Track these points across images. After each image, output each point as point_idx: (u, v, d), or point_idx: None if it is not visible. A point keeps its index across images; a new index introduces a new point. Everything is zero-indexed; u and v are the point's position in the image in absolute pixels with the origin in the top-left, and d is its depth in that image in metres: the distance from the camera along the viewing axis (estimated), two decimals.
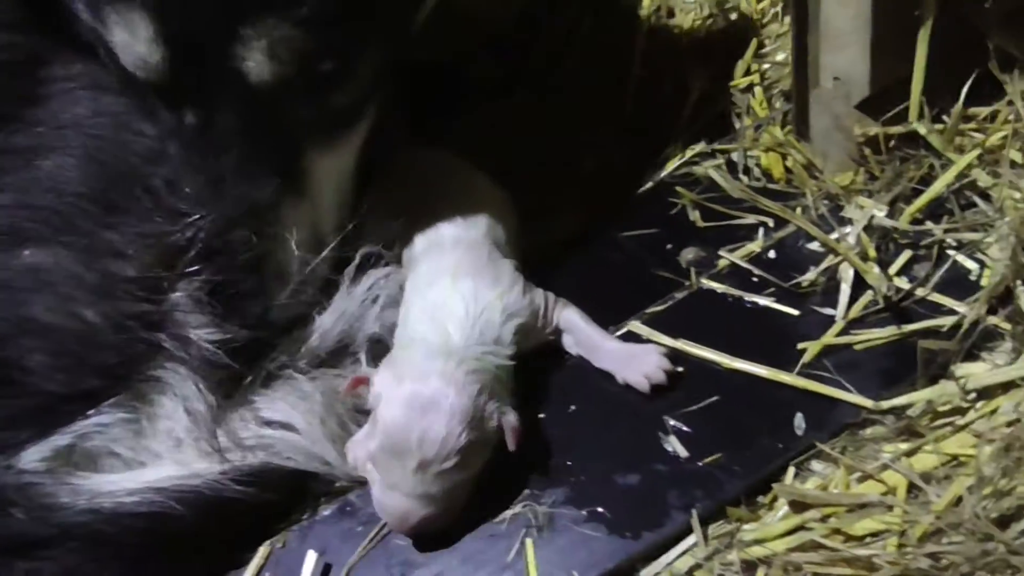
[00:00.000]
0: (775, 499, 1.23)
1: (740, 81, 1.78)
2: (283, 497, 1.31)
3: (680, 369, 1.35)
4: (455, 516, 1.23)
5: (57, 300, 1.24)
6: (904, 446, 1.22)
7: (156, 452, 1.26)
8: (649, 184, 1.70)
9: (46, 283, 1.24)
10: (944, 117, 1.43)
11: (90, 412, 1.24)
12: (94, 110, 1.31)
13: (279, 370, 1.35)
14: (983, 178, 1.37)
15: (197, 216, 1.26)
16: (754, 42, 1.81)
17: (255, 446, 1.30)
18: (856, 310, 1.36)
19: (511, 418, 1.23)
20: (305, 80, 1.22)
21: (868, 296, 1.37)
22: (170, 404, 1.27)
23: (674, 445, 1.29)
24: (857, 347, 1.32)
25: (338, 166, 1.35)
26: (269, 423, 1.33)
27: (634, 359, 1.34)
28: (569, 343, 1.39)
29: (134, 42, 1.20)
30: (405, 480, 1.19)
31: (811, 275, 1.42)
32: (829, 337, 1.34)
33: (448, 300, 1.30)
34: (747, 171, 1.65)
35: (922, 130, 1.40)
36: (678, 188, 1.62)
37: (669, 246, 1.55)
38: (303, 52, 1.20)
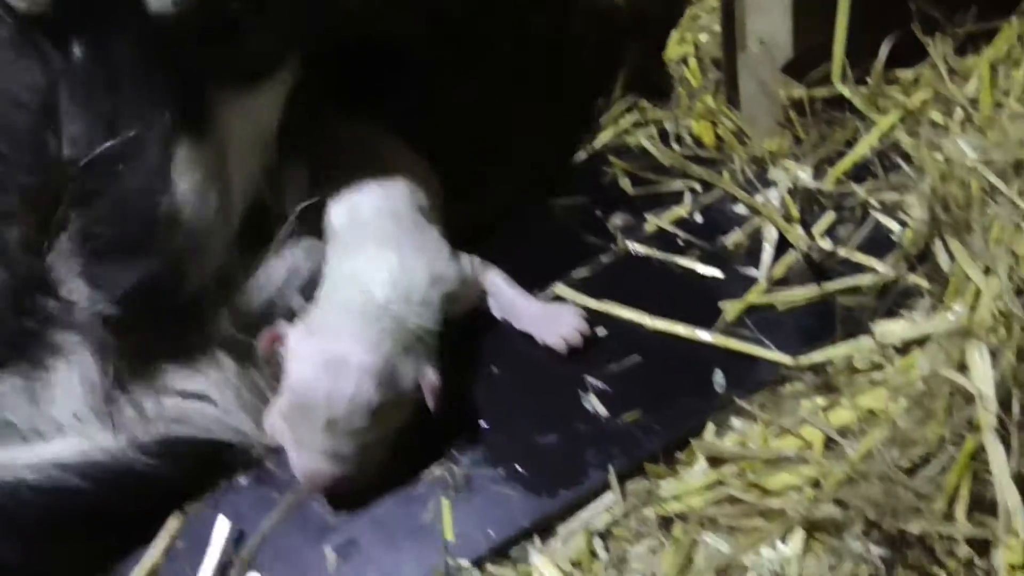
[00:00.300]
0: (693, 455, 1.21)
1: (674, 51, 1.77)
2: (197, 468, 1.27)
3: (601, 331, 1.34)
4: (369, 477, 1.21)
5: None
6: (822, 402, 1.21)
7: (57, 423, 1.21)
8: (582, 155, 1.69)
9: None
10: (868, 79, 1.43)
11: None
12: None
13: (194, 340, 1.31)
14: (905, 139, 1.37)
15: (82, 161, 1.19)
16: (688, 12, 1.81)
17: (167, 417, 1.26)
18: (779, 270, 1.35)
19: (432, 378, 1.22)
20: (211, 15, 1.18)
21: (791, 257, 1.36)
22: (65, 372, 1.22)
23: (594, 404, 1.27)
24: (779, 306, 1.32)
25: (250, 116, 1.30)
26: (182, 394, 1.29)
27: (553, 321, 1.33)
28: (494, 306, 1.38)
29: None
30: (314, 438, 1.17)
31: (735, 237, 1.41)
32: (751, 296, 1.33)
33: (372, 266, 1.28)
34: (679, 140, 1.65)
35: (845, 91, 1.40)
36: (611, 158, 1.61)
37: (599, 213, 1.54)
38: None
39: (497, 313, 1.38)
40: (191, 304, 1.28)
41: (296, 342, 1.22)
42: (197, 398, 1.29)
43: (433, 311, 1.28)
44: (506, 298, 1.37)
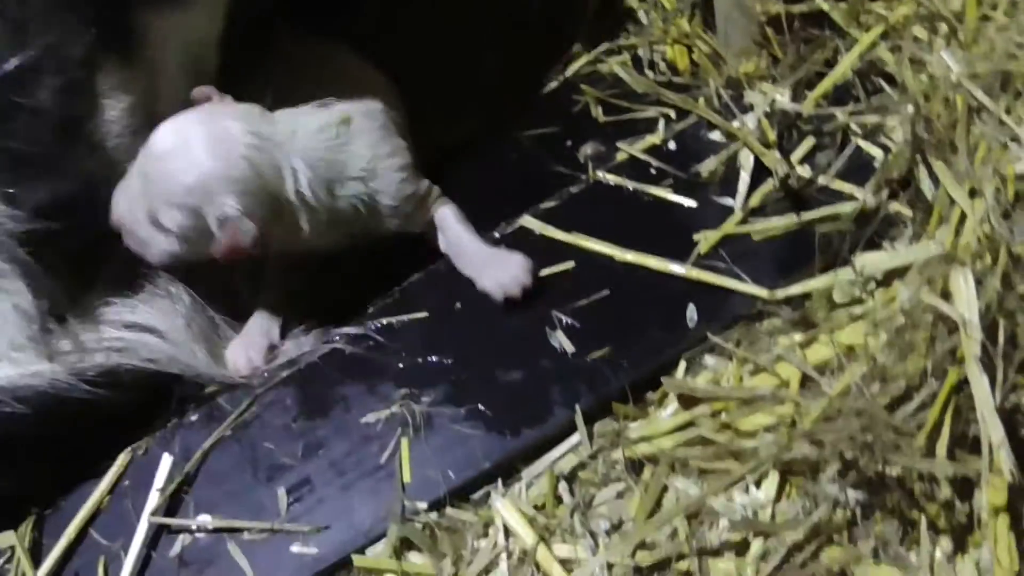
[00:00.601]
0: (664, 395, 1.16)
1: None
2: (143, 400, 1.23)
3: (569, 264, 1.27)
4: None
5: None
6: (799, 337, 1.16)
7: None
8: (553, 84, 1.61)
9: None
10: None
11: None
12: None
13: (142, 272, 1.26)
14: (888, 57, 1.29)
15: None
16: None
17: (110, 348, 1.22)
18: (755, 199, 1.28)
19: (232, 220, 1.13)
20: None
21: (769, 185, 1.29)
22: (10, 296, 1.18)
23: (560, 340, 1.21)
24: (755, 237, 1.25)
25: (183, 35, 1.23)
26: (128, 325, 1.25)
27: (496, 267, 1.25)
28: (441, 242, 1.31)
29: None
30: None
31: (710, 164, 1.34)
32: (727, 227, 1.26)
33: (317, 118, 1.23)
34: (653, 66, 1.58)
35: (824, 6, 1.33)
36: (583, 86, 1.53)
37: (569, 143, 1.47)
38: None
39: (443, 249, 1.31)
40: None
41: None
42: (143, 329, 1.25)
43: (346, 200, 1.22)
44: (452, 234, 1.30)
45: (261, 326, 1.29)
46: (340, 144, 1.24)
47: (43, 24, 1.12)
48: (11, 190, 1.14)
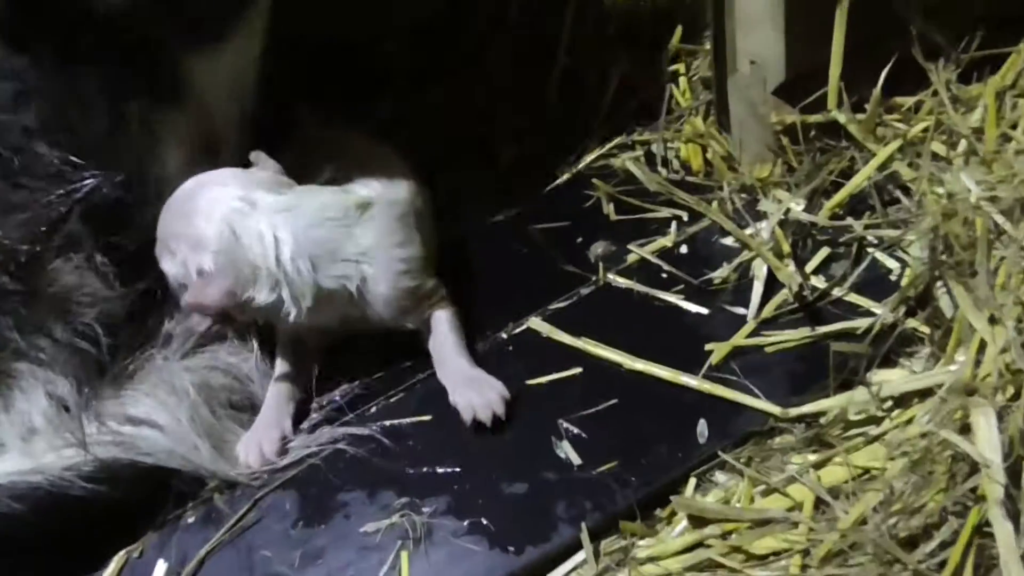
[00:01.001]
0: (673, 513, 1.13)
1: (665, 70, 1.68)
2: (141, 497, 1.20)
3: (576, 370, 1.25)
4: None
5: None
6: (813, 457, 1.12)
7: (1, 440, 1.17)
8: (565, 176, 1.60)
9: None
10: (865, 106, 1.34)
11: None
12: None
13: (149, 359, 1.26)
14: (905, 172, 1.28)
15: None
16: (679, 29, 1.72)
17: (111, 442, 1.20)
18: (768, 310, 1.26)
19: (203, 278, 1.17)
20: None
21: (782, 295, 1.27)
22: (30, 386, 1.18)
23: (567, 451, 1.19)
24: (767, 349, 1.23)
25: (224, 70, 1.27)
26: (130, 419, 1.23)
27: (472, 387, 1.22)
28: (430, 344, 1.29)
29: None
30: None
31: (723, 272, 1.32)
32: (738, 338, 1.24)
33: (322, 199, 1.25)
34: (666, 163, 1.56)
35: (841, 118, 1.31)
36: (594, 180, 1.52)
37: (579, 240, 1.46)
38: None
39: (430, 350, 1.29)
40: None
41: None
42: (145, 424, 1.23)
43: (334, 280, 1.21)
44: (438, 341, 1.27)
45: (273, 417, 1.26)
46: (343, 225, 1.22)
47: (101, 98, 1.17)
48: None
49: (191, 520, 1.20)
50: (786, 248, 1.29)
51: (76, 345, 1.19)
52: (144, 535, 1.20)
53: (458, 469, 1.19)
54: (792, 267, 1.26)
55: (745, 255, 1.33)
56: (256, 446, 1.23)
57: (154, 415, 1.23)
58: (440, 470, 1.19)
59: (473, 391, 1.21)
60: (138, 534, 1.20)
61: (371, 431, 1.24)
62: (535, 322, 1.33)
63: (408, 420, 1.24)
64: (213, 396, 1.28)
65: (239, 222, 1.17)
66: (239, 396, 1.30)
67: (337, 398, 1.29)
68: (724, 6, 1.33)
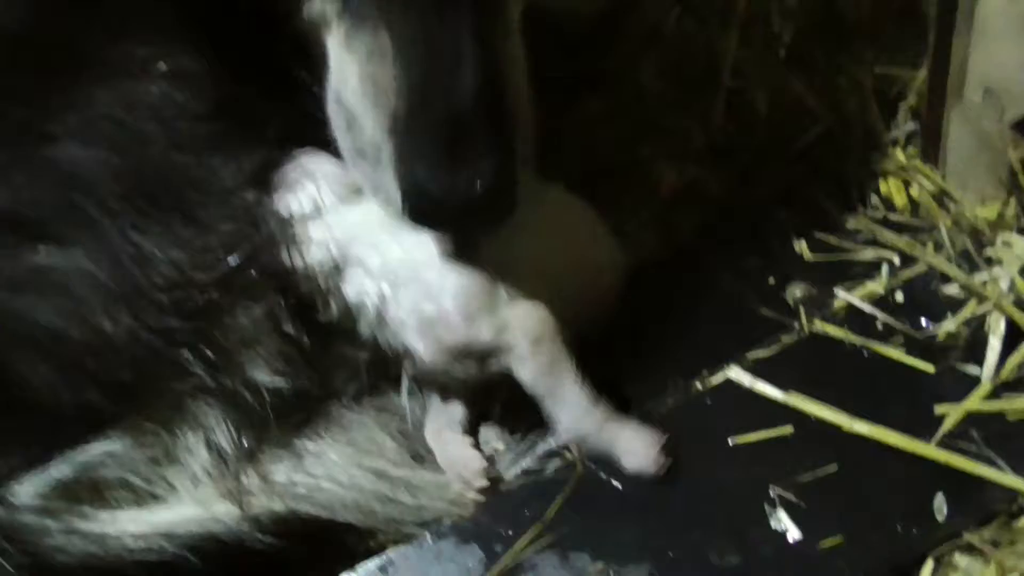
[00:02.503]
0: None
1: (850, 94, 1.56)
2: (314, 551, 1.14)
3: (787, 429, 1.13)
4: None
5: (69, 305, 1.07)
6: None
7: (172, 484, 1.12)
8: (742, 208, 1.48)
9: (57, 285, 1.08)
10: None
11: (97, 437, 1.08)
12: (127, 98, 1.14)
13: (327, 407, 1.20)
14: None
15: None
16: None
17: (285, 493, 1.14)
18: (1009, 370, 1.13)
19: None
20: None
21: (1023, 353, 1.14)
22: (192, 434, 1.12)
23: (783, 522, 1.07)
24: (1010, 416, 1.10)
25: None
26: (308, 471, 1.16)
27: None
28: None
29: None
30: None
31: (949, 324, 1.20)
32: (975, 401, 1.12)
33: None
34: (862, 199, 1.43)
35: None
36: (779, 214, 1.40)
37: (771, 280, 1.33)
38: None
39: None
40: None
41: None
42: (323, 476, 1.17)
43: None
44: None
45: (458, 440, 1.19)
46: None
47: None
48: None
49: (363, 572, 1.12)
50: None
51: (241, 394, 1.13)
52: None
53: (660, 536, 1.08)
54: None
55: (974, 305, 1.20)
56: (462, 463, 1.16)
57: (330, 468, 1.17)
58: (639, 536, 1.09)
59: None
60: None
61: None
62: (735, 371, 1.21)
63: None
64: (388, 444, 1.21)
65: None
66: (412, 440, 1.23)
67: None
68: (956, 24, 1.20)
